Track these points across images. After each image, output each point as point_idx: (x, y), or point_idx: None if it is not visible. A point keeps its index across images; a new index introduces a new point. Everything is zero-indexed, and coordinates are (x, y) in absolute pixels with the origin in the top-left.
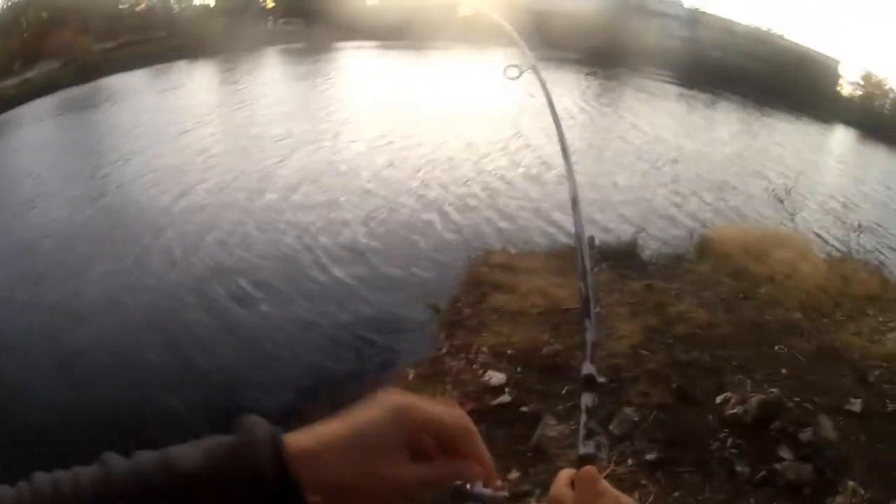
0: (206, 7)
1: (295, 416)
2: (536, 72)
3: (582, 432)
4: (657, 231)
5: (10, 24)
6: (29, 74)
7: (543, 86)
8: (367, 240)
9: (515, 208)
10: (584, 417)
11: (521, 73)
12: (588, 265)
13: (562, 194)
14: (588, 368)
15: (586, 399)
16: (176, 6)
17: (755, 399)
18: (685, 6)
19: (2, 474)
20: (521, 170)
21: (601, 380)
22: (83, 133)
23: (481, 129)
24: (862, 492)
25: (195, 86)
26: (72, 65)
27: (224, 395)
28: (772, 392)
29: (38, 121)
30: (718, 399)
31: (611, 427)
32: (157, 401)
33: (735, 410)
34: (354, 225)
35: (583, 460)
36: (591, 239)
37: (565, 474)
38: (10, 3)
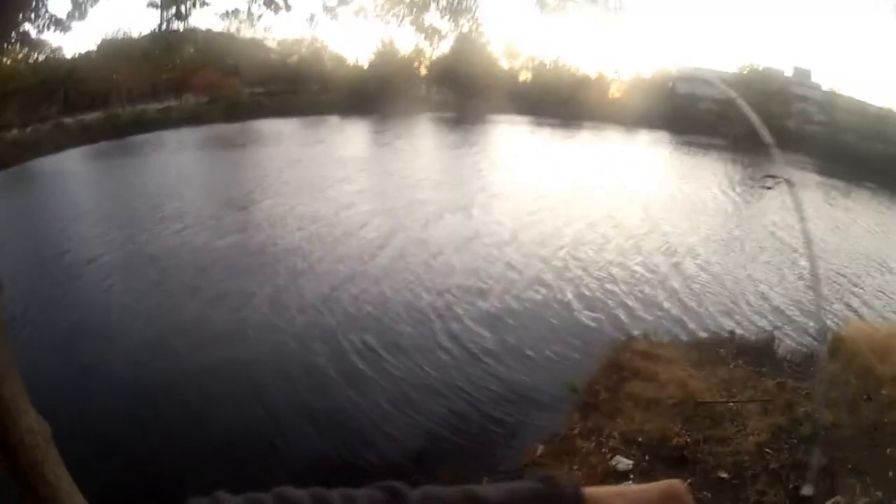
0: (360, 67)
1: (403, 477)
2: (790, 185)
3: None
4: (792, 329)
5: (159, 53)
6: (172, 103)
7: (797, 203)
8: (503, 314)
9: (654, 296)
10: None
11: (775, 184)
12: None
13: (702, 285)
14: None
15: None
16: (329, 63)
17: (860, 503)
18: (823, 90)
19: None
20: (662, 258)
21: (723, 475)
22: (229, 168)
23: (629, 214)
24: None
25: (345, 141)
26: (220, 103)
27: (332, 443)
28: (876, 496)
29: (182, 148)
30: (828, 502)
31: None
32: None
33: None
34: (491, 298)
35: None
36: (732, 333)
37: None
38: (159, 31)
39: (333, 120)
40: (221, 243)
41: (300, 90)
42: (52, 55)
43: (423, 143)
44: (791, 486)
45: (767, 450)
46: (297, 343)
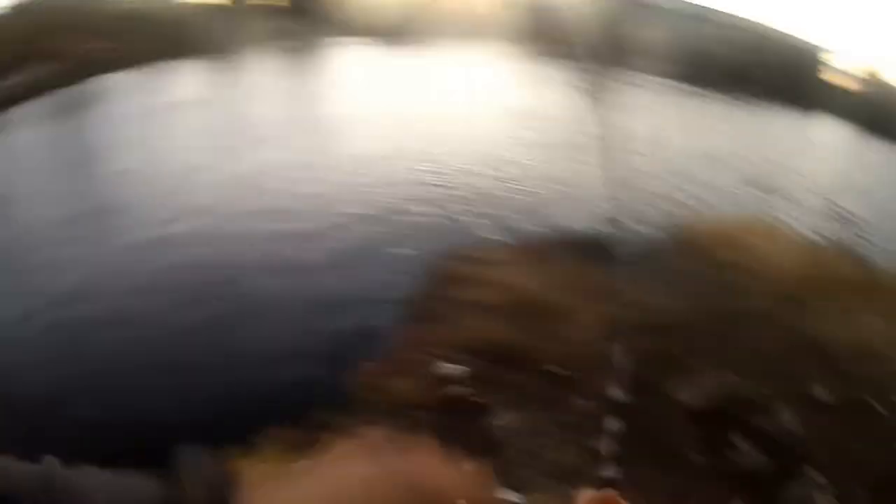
0: (194, 5)
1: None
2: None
3: (605, 454)
4: (634, 223)
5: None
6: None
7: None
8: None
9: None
10: (607, 440)
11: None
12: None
13: (534, 189)
14: (616, 392)
15: (610, 422)
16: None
17: (713, 387)
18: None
19: None
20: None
21: (556, 370)
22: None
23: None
24: (822, 480)
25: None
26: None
27: None
28: (731, 380)
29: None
30: (676, 387)
31: (561, 416)
32: None
33: (691, 399)
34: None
35: (605, 483)
36: (560, 231)
37: (586, 496)
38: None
39: (171, 64)
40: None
41: (133, 39)
42: None
43: (261, 80)
44: (634, 376)
45: (603, 341)
46: None
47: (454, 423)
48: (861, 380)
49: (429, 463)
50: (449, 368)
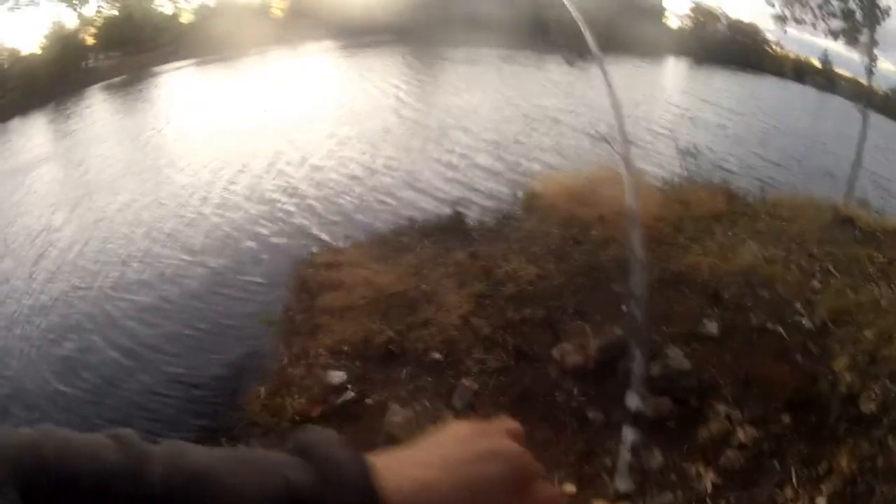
0: (35, 56)
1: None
2: None
3: (622, 467)
4: (482, 197)
5: None
6: None
7: None
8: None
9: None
10: (625, 453)
11: None
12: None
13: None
14: (634, 401)
15: (628, 434)
16: (4, 61)
17: (595, 343)
18: None
19: None
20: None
21: (437, 356)
22: None
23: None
24: (737, 413)
25: (27, 144)
26: None
27: None
28: (612, 333)
29: None
30: (557, 351)
31: (452, 402)
32: None
33: (575, 358)
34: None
35: (619, 497)
36: (411, 219)
37: None
38: None
39: (15, 124)
40: None
41: None
42: None
43: (93, 121)
44: (510, 346)
45: (474, 319)
46: None
47: (353, 428)
48: (747, 307)
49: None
50: (335, 376)
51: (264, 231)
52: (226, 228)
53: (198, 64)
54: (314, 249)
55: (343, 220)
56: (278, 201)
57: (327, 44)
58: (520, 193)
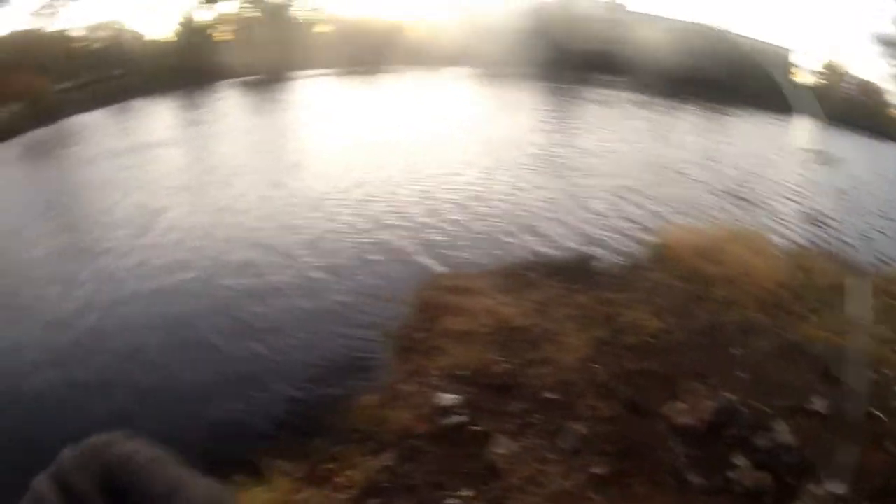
0: (163, 43)
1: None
2: None
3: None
4: (610, 241)
5: None
6: None
7: None
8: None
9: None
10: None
11: None
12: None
13: (511, 213)
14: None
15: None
16: (133, 44)
17: (708, 406)
18: (628, 10)
19: None
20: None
21: (550, 395)
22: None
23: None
24: (823, 494)
25: (148, 126)
26: (33, 107)
27: None
28: (726, 397)
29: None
30: (669, 408)
31: (558, 442)
32: None
33: (686, 419)
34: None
35: None
36: (540, 256)
37: None
38: None
39: (138, 104)
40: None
41: (105, 77)
42: None
43: (222, 114)
44: (624, 396)
45: (592, 364)
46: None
47: (454, 452)
48: (854, 387)
49: None
50: (445, 398)
51: (392, 245)
52: (353, 238)
53: (334, 74)
54: (440, 270)
55: (472, 247)
56: (409, 218)
57: (465, 70)
58: (647, 242)
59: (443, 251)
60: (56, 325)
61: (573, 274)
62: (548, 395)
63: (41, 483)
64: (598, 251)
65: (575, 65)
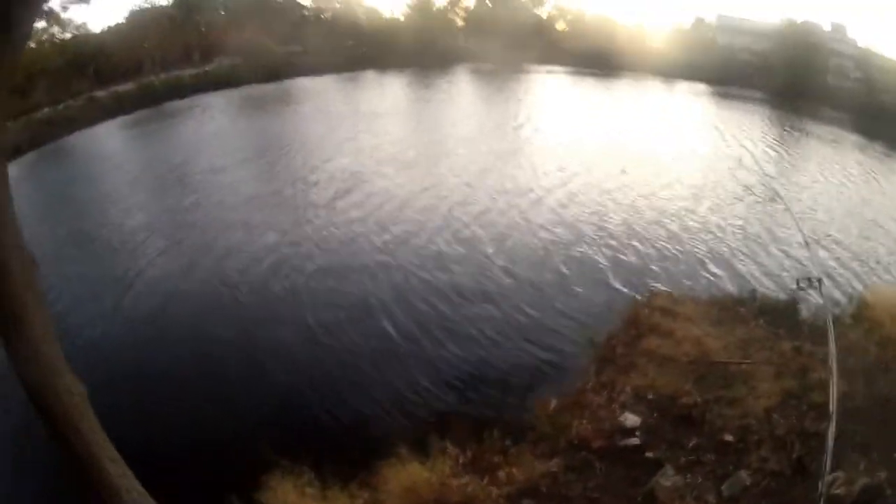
0: (395, 20)
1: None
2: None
3: None
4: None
5: (185, 18)
6: (207, 67)
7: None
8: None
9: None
10: None
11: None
12: None
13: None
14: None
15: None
16: (364, 17)
17: (860, 482)
18: (858, 46)
19: None
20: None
21: (728, 438)
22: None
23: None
24: None
25: (383, 96)
26: (254, 63)
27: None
28: (878, 476)
29: (221, 111)
30: (829, 477)
31: (723, 487)
32: None
33: (839, 491)
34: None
35: None
36: (753, 291)
37: None
38: None
39: (370, 76)
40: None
41: (335, 46)
42: (78, 32)
43: (462, 95)
44: (794, 455)
45: (776, 415)
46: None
47: (621, 473)
48: None
49: None
50: (630, 418)
51: (609, 253)
52: (583, 239)
53: (570, 73)
54: (657, 288)
55: (688, 270)
56: (631, 228)
57: (700, 87)
58: (853, 298)
59: (653, 266)
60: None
61: (780, 317)
62: (727, 437)
63: None
64: (806, 299)
65: (808, 96)
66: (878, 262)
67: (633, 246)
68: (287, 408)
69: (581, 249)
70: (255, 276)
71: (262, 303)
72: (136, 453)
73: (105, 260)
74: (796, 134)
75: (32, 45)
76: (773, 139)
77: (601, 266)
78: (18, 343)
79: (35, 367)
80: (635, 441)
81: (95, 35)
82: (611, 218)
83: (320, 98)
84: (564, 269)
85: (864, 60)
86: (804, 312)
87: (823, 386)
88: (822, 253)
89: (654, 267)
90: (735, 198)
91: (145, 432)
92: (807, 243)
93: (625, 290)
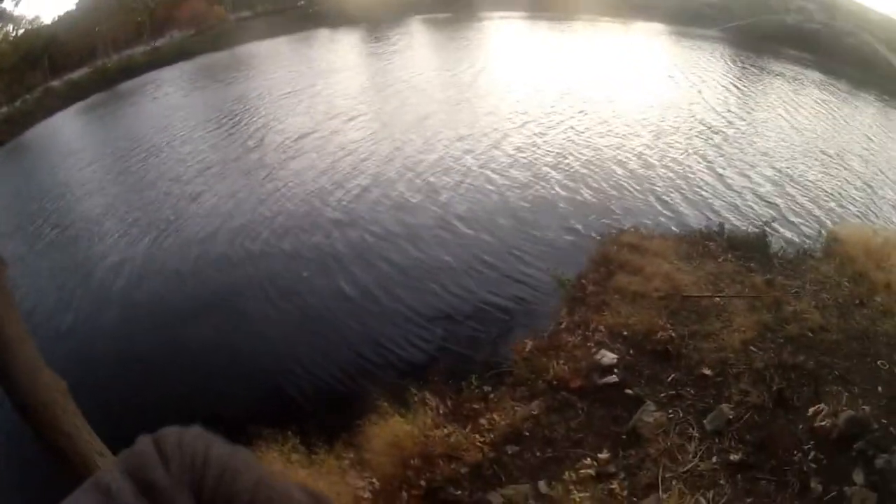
0: None
1: (415, 374)
2: None
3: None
4: (789, 225)
5: None
6: (158, 43)
7: None
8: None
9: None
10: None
11: None
12: None
13: (697, 179)
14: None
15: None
16: None
17: (845, 415)
18: None
19: None
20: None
21: (706, 371)
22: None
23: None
24: None
25: (336, 54)
26: (207, 33)
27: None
28: (863, 410)
29: (169, 86)
30: (811, 409)
31: (705, 421)
32: None
33: (824, 423)
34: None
35: None
36: (721, 226)
37: None
38: None
39: (323, 33)
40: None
41: (286, 8)
42: (30, 26)
43: (405, 46)
44: (775, 387)
45: (753, 348)
46: None
47: (602, 412)
48: None
49: None
50: (607, 356)
51: (583, 194)
52: (542, 181)
53: (525, 17)
54: (625, 227)
55: (649, 209)
56: (589, 167)
57: (657, 26)
58: (822, 234)
59: (626, 204)
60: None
61: (751, 251)
62: (705, 371)
63: (111, 477)
64: (777, 232)
65: (768, 35)
66: (843, 198)
67: (592, 185)
68: (262, 377)
69: (538, 192)
70: (213, 248)
71: (223, 274)
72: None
73: (68, 249)
74: (757, 72)
75: None
76: (734, 77)
77: (561, 208)
78: None
79: (13, 366)
80: (614, 378)
81: (47, 26)
82: (568, 160)
83: (272, 60)
84: (524, 214)
85: (829, 4)
86: (774, 247)
87: (798, 318)
88: (789, 189)
89: (614, 206)
90: (696, 135)
91: (120, 419)
92: (772, 179)
93: (587, 230)
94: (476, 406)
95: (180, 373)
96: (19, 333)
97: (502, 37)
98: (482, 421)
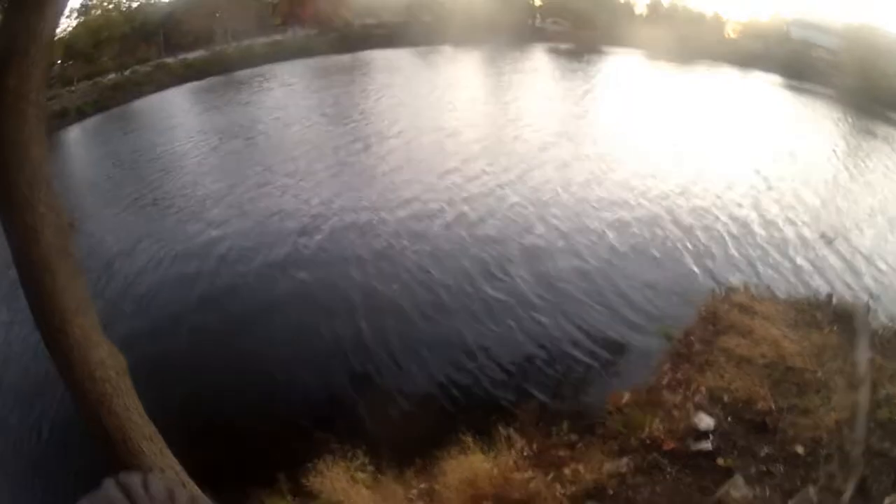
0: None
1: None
2: None
3: None
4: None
5: None
6: (280, 37)
7: None
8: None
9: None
10: None
11: None
12: None
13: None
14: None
15: None
16: None
17: None
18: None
19: None
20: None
21: (799, 450)
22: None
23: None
24: None
25: (458, 70)
26: (329, 34)
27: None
28: None
29: (294, 79)
30: (887, 500)
31: (790, 502)
32: None
33: None
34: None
35: None
36: (829, 296)
37: None
38: None
39: (446, 50)
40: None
41: (412, 20)
42: (145, 1)
43: (537, 73)
44: (861, 475)
45: (846, 430)
46: None
47: (691, 480)
48: None
49: None
50: (704, 420)
51: (692, 247)
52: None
53: (646, 55)
54: (734, 284)
55: (763, 270)
56: (715, 223)
57: (773, 78)
58: None
59: (732, 261)
60: None
61: (854, 324)
62: (798, 448)
63: None
64: (879, 307)
65: (881, 99)
66: None
67: (701, 237)
68: (339, 390)
69: (649, 233)
70: (313, 244)
71: (319, 276)
72: (177, 433)
73: (157, 223)
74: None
75: (99, 12)
76: (842, 135)
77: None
78: (48, 314)
79: (65, 338)
80: (708, 446)
81: (165, 4)
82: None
83: (394, 70)
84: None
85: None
86: (875, 323)
87: (890, 403)
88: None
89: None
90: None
91: (187, 411)
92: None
93: (698, 284)
94: (562, 454)
95: (258, 372)
96: (80, 303)
97: (623, 73)
98: (566, 470)
